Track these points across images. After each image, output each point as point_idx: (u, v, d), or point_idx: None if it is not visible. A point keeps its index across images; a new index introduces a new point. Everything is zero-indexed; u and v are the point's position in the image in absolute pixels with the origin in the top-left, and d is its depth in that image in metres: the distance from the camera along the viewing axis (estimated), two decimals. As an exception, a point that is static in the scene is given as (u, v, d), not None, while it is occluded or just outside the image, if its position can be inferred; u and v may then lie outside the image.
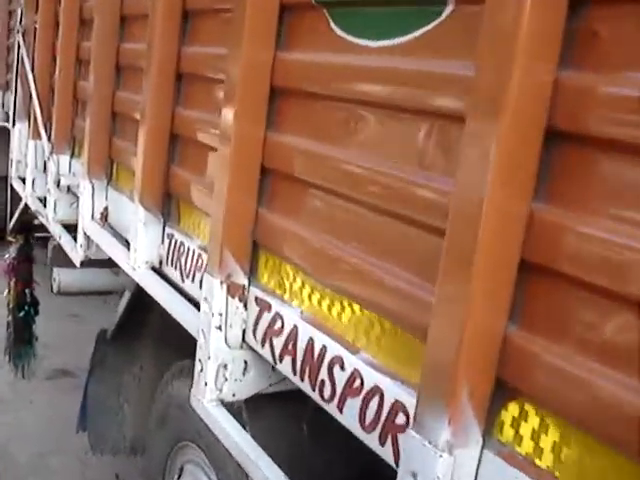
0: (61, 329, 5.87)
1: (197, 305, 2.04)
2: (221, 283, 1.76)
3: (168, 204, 2.29)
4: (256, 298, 1.76)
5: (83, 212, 2.89)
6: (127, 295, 2.94)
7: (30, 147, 3.97)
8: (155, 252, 2.30)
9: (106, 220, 2.84)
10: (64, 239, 3.25)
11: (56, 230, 3.42)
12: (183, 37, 2.19)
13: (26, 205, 4.11)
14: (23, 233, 4.44)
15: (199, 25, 2.16)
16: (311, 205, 1.63)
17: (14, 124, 4.48)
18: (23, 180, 4.23)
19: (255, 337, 1.76)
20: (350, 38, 1.49)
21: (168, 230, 2.27)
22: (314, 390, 1.54)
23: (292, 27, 1.66)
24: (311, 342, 1.55)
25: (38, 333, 4.67)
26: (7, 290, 4.56)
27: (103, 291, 3.93)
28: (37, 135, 3.82)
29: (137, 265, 2.29)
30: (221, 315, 1.77)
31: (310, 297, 1.61)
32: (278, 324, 1.66)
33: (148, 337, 3.15)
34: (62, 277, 3.95)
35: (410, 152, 1.31)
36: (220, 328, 1.78)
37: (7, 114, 6.09)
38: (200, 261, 2.04)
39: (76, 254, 2.99)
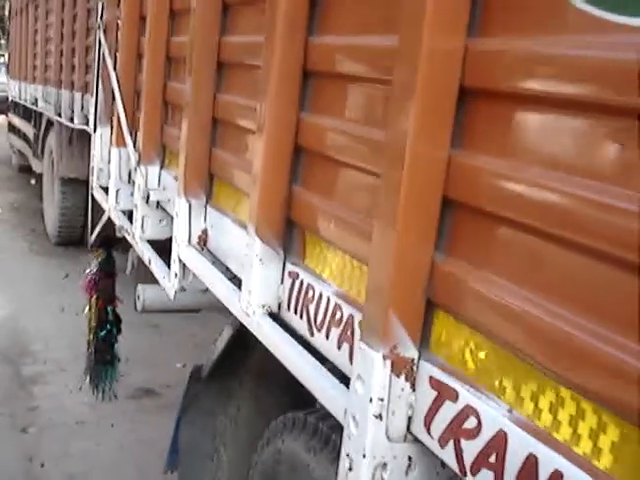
0: (141, 341, 5.57)
1: (324, 360, 1.63)
2: (384, 358, 1.30)
3: (290, 235, 1.85)
4: (430, 378, 1.30)
5: (178, 235, 2.47)
6: (227, 332, 2.53)
7: (113, 155, 3.59)
8: (274, 294, 1.85)
9: (205, 245, 2.41)
10: (155, 264, 2.84)
11: (144, 251, 3.02)
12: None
13: (109, 219, 3.74)
14: (105, 247, 4.08)
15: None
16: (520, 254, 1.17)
17: (95, 129, 4.13)
18: (105, 189, 3.88)
19: (429, 431, 1.29)
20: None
21: (290, 267, 1.82)
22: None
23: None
24: (532, 459, 1.07)
25: (117, 346, 4.36)
26: (87, 307, 4.22)
27: (190, 309, 3.60)
28: (121, 142, 3.43)
29: (251, 310, 1.85)
30: (382, 401, 1.31)
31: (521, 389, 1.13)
32: (471, 422, 1.19)
33: (247, 375, 2.75)
34: (147, 295, 3.60)
35: None
36: (380, 417, 1.31)
37: (87, 117, 5.80)
38: (338, 314, 1.59)
39: (169, 283, 2.58)
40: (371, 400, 1.31)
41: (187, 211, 2.41)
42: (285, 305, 1.83)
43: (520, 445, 1.09)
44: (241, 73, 2.25)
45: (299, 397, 1.95)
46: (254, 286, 1.85)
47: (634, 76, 0.92)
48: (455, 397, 1.23)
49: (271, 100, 1.79)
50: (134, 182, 3.19)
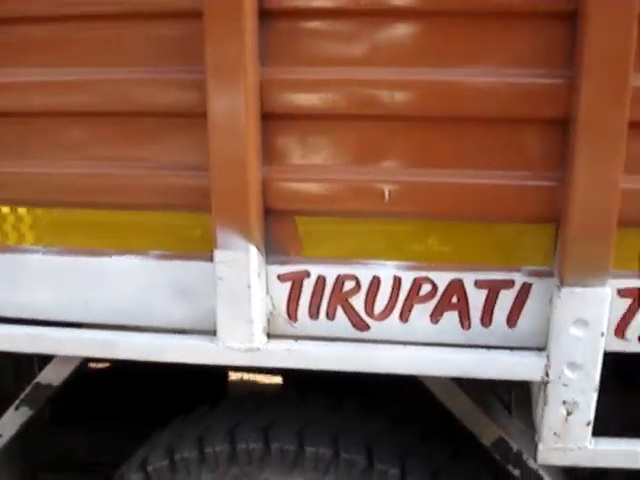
0: None
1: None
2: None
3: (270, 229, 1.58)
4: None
5: None
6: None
7: None
8: (265, 311, 1.59)
9: None
10: None
11: None
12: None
13: None
14: None
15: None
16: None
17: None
18: None
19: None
20: None
21: (284, 269, 1.60)
22: None
23: None
24: None
25: None
26: None
27: None
28: None
29: (258, 342, 1.57)
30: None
31: None
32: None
33: None
34: None
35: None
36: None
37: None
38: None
39: None
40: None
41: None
42: (283, 316, 1.55)
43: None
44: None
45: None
46: (255, 311, 1.50)
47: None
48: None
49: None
50: None
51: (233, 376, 3.05)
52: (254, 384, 3.17)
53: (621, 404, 2.09)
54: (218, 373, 2.68)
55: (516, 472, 1.68)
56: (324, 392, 1.98)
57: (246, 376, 3.15)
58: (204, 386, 2.39)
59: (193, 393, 2.24)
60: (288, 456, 1.78)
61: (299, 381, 2.21)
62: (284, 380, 2.58)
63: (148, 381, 2.53)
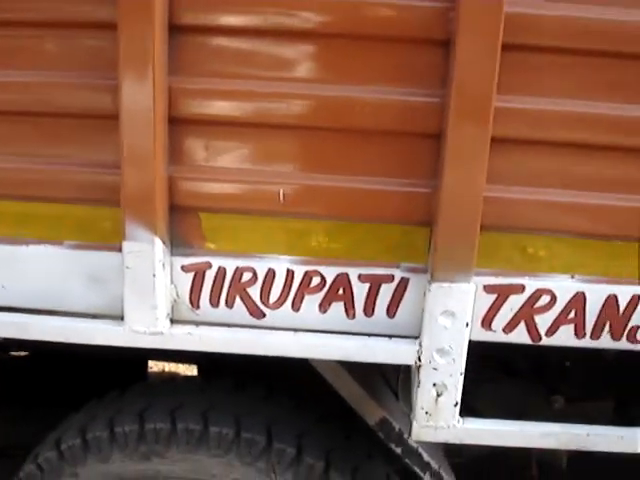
0: None
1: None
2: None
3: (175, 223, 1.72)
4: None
5: None
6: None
7: None
8: (169, 297, 1.75)
9: None
10: None
11: None
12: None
13: None
14: None
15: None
16: None
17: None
18: None
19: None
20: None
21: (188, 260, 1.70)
22: None
23: None
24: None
25: None
26: None
27: None
28: None
29: (161, 325, 1.69)
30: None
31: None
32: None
33: None
34: None
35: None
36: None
37: None
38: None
39: None
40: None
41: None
42: (186, 304, 1.70)
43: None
44: None
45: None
46: (160, 298, 1.65)
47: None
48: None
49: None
50: None
51: (155, 368, 3.16)
52: (173, 374, 3.30)
53: (505, 393, 2.31)
54: (138, 362, 2.81)
55: (398, 450, 1.86)
56: (229, 378, 2.13)
57: (168, 368, 3.27)
58: (123, 375, 2.51)
59: (113, 382, 2.35)
60: (193, 435, 1.93)
61: (211, 369, 2.37)
62: (199, 370, 2.72)
63: (69, 370, 2.64)
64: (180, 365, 3.11)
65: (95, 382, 2.51)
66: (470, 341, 1.65)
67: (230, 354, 1.72)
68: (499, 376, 2.40)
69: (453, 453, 2.34)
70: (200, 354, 1.75)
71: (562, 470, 2.57)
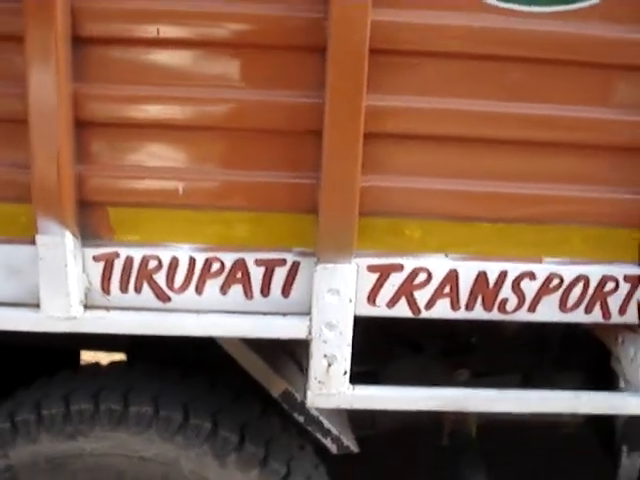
0: None
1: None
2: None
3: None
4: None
5: None
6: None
7: None
8: (82, 285, 1.90)
9: None
10: None
11: None
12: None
13: None
14: None
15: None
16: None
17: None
18: None
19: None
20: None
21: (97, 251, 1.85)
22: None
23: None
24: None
25: None
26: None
27: None
28: None
29: (75, 311, 1.86)
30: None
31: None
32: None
33: None
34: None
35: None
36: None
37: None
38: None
39: None
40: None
41: None
42: (98, 291, 1.85)
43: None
44: None
45: None
46: (72, 286, 1.80)
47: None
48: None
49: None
50: None
51: (92, 360, 3.29)
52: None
53: (412, 368, 2.51)
54: (70, 353, 2.95)
55: (301, 418, 2.05)
56: (151, 363, 2.29)
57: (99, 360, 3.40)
58: (55, 366, 2.65)
59: (44, 373, 2.48)
60: (115, 415, 2.08)
61: (137, 355, 2.52)
62: (127, 358, 2.88)
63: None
64: (113, 355, 3.24)
65: (26, 373, 2.64)
66: (377, 320, 1.84)
67: (155, 341, 1.88)
68: (408, 354, 2.60)
69: (365, 425, 2.54)
70: (129, 343, 1.89)
71: (471, 439, 2.78)
